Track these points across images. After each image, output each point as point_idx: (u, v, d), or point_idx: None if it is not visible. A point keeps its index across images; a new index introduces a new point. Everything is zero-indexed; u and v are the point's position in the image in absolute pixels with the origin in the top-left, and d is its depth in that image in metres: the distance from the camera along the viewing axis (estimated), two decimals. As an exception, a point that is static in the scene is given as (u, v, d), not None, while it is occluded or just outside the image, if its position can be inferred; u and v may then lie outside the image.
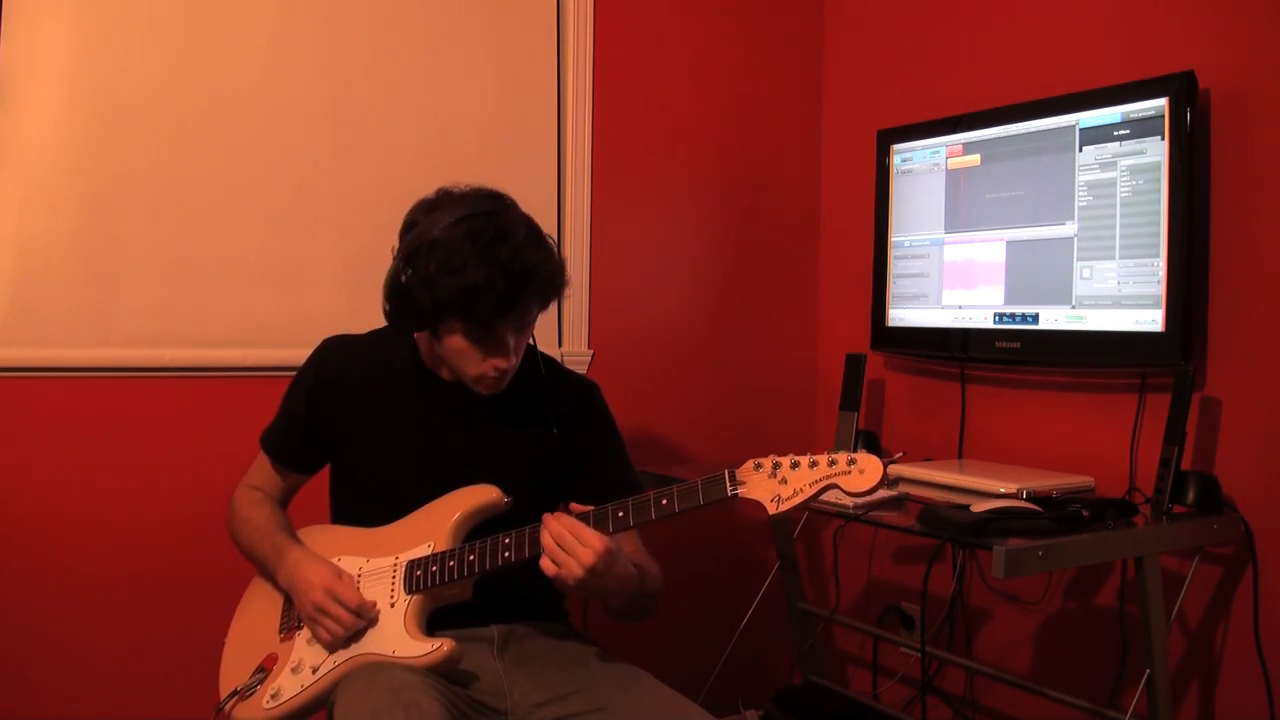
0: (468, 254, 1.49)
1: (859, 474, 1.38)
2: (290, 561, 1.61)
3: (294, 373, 1.78)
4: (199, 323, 2.13)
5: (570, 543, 1.45)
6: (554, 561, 1.46)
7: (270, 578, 1.68)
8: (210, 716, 1.61)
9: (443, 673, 1.49)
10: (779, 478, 1.41)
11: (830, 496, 1.90)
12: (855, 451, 1.41)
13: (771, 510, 1.40)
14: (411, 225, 1.59)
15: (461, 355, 1.58)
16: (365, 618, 1.53)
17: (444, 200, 1.58)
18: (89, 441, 2.06)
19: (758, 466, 1.43)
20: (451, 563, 1.55)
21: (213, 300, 2.14)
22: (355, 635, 1.54)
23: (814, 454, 1.41)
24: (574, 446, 1.74)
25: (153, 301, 2.10)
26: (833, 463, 1.39)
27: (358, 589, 1.57)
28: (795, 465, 1.41)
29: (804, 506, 1.41)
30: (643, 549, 1.71)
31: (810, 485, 1.39)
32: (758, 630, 2.66)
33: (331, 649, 1.54)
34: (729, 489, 1.43)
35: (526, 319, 1.59)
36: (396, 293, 1.55)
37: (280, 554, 1.64)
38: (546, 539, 1.47)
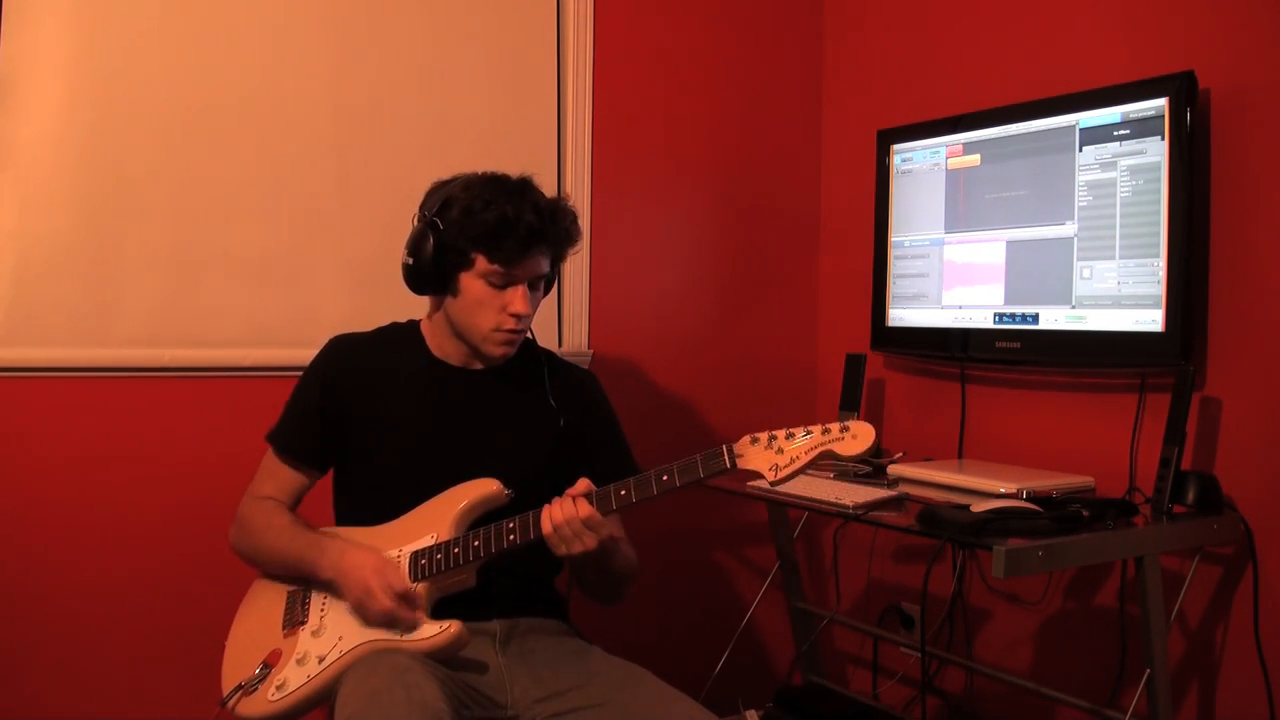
0: (495, 193, 1.63)
1: (851, 439, 1.43)
2: (335, 550, 1.61)
3: (295, 373, 1.79)
4: (199, 323, 2.13)
5: (578, 529, 1.52)
6: (560, 538, 1.53)
7: (300, 578, 1.66)
8: (213, 713, 1.61)
9: (449, 656, 1.52)
10: (775, 448, 1.45)
11: (831, 494, 1.92)
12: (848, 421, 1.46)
13: (771, 478, 1.45)
14: (430, 195, 1.71)
15: (479, 306, 1.65)
16: (408, 601, 1.55)
17: (459, 176, 1.70)
18: (89, 442, 2.06)
19: (754, 440, 1.48)
20: (456, 549, 1.58)
21: (213, 300, 2.14)
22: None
23: (808, 425, 1.46)
24: (576, 435, 1.77)
25: (153, 301, 2.10)
26: (826, 430, 1.45)
27: (403, 575, 1.58)
28: (790, 436, 1.46)
29: (801, 473, 1.45)
30: (623, 535, 1.74)
31: (806, 453, 1.44)
32: (758, 630, 2.66)
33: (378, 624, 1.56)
34: (727, 461, 1.47)
35: (542, 267, 1.68)
36: (420, 246, 1.64)
37: (319, 548, 1.63)
38: (559, 516, 1.52)
